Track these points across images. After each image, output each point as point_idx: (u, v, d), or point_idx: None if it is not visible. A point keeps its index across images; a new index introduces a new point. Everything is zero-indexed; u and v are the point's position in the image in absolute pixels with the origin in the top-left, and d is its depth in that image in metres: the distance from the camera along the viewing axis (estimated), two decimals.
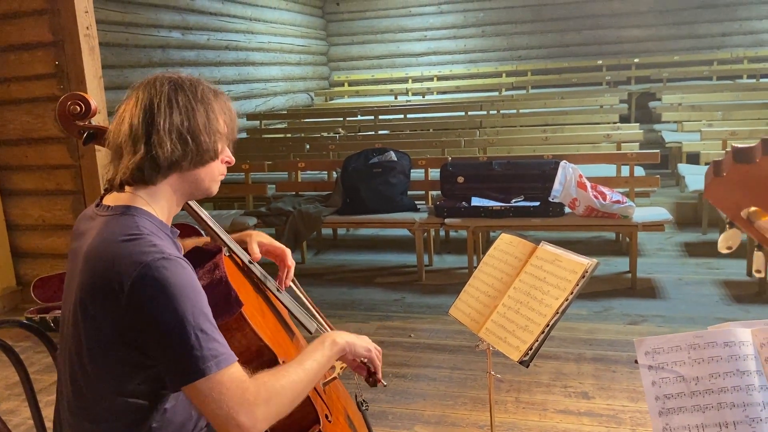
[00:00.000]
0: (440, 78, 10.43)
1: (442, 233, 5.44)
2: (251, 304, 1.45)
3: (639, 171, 4.92)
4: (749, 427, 1.07)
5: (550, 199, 4.27)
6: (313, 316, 1.73)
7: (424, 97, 10.11)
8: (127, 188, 1.31)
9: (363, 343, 1.48)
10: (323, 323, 1.74)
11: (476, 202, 4.58)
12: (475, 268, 2.15)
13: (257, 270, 1.61)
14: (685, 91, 7.85)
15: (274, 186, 5.50)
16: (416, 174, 5.13)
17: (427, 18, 10.61)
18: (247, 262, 1.59)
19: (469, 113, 7.87)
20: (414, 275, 4.75)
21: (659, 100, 7.94)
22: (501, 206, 4.45)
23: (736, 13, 9.26)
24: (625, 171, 4.86)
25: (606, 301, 4.03)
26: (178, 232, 1.45)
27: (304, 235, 4.86)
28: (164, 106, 1.28)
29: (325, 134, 7.38)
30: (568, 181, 4.19)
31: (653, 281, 4.35)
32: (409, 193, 5.00)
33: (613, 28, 9.72)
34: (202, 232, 1.68)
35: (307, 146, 6.69)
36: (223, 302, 1.33)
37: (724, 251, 1.12)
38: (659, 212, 4.37)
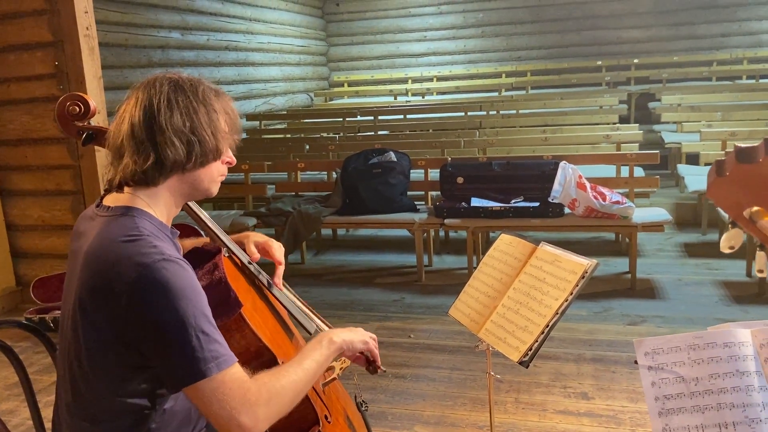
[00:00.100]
0: (440, 78, 10.43)
1: (441, 234, 5.44)
2: (250, 304, 1.45)
3: (638, 171, 4.93)
4: (749, 427, 1.07)
5: (549, 200, 4.27)
6: (310, 317, 1.73)
7: (423, 97, 10.11)
8: (126, 189, 1.31)
9: (359, 337, 1.49)
10: (321, 324, 1.74)
11: (476, 202, 4.58)
12: (475, 268, 2.15)
13: (256, 270, 1.61)
14: (684, 92, 7.86)
15: (273, 186, 5.50)
16: (416, 174, 5.13)
17: (426, 18, 10.61)
18: (246, 263, 1.59)
19: (469, 114, 7.87)
20: (413, 276, 4.75)
21: (659, 100, 7.95)
22: (500, 207, 4.45)
23: (736, 13, 9.27)
24: (624, 171, 4.86)
25: (605, 302, 4.03)
26: (178, 233, 1.45)
27: (303, 236, 4.86)
28: (164, 106, 1.27)
29: (324, 135, 7.39)
30: (568, 181, 4.19)
31: (653, 282, 4.35)
32: (409, 193, 5.00)
33: (612, 29, 9.73)
34: (202, 233, 1.68)
35: (307, 147, 6.69)
36: (223, 303, 1.33)
37: (727, 251, 1.12)
38: (659, 213, 4.37)
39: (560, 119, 6.85)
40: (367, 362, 1.55)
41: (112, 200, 1.32)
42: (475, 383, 3.09)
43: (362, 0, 10.85)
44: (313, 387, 1.43)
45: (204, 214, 1.57)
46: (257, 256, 1.67)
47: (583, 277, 1.77)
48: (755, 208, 1.00)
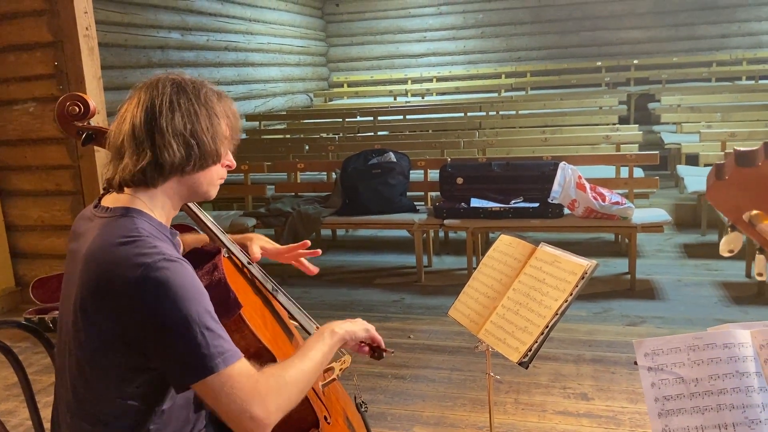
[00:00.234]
0: (439, 79, 10.44)
1: (441, 234, 5.44)
2: (250, 305, 1.45)
3: (638, 172, 4.93)
4: (748, 428, 1.07)
5: (549, 201, 4.27)
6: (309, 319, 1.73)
7: (423, 98, 10.12)
8: (126, 190, 1.31)
9: (360, 327, 1.50)
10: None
11: (475, 203, 4.58)
12: (475, 269, 2.15)
13: (257, 271, 1.61)
14: (684, 93, 7.86)
15: (273, 187, 5.50)
16: (415, 175, 5.13)
17: (426, 19, 10.61)
18: (246, 263, 1.59)
19: (469, 114, 7.87)
20: (413, 276, 4.75)
21: (658, 101, 7.95)
22: (500, 207, 4.46)
23: (735, 14, 9.27)
24: (624, 172, 4.87)
25: (605, 303, 4.03)
26: (178, 233, 1.45)
27: (303, 236, 4.85)
28: (166, 108, 1.27)
29: (324, 135, 7.39)
30: (568, 182, 4.19)
31: (652, 282, 4.35)
32: (409, 194, 5.00)
33: (612, 30, 9.73)
34: (200, 232, 1.68)
35: (307, 147, 6.69)
36: (222, 304, 1.33)
37: (726, 254, 1.12)
38: (658, 213, 4.38)
39: (560, 120, 6.85)
40: (372, 350, 1.56)
41: (111, 201, 1.32)
42: (474, 384, 3.09)
43: (362, 0, 10.85)
44: (312, 388, 1.43)
45: (203, 214, 1.57)
46: (258, 256, 1.68)
47: (583, 278, 1.77)
48: (755, 212, 1.00)
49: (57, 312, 3.69)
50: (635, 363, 1.17)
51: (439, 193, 4.89)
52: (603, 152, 5.52)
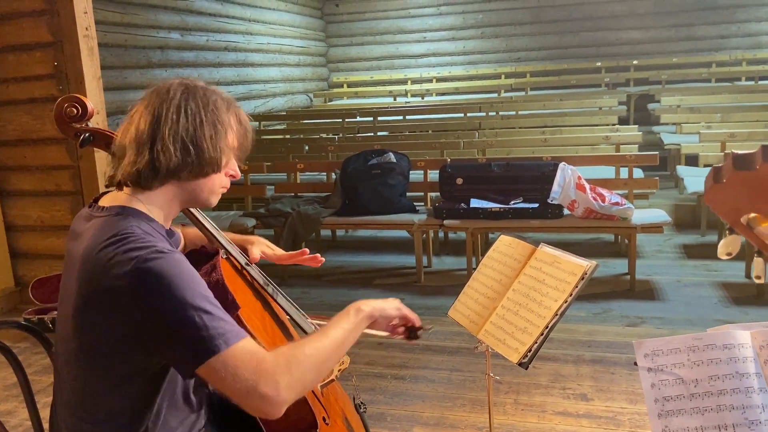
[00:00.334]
0: (439, 79, 10.44)
1: (441, 235, 5.44)
2: (248, 307, 1.45)
3: (638, 173, 4.93)
4: (748, 429, 1.07)
5: (549, 201, 4.27)
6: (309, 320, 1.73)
7: (423, 98, 10.12)
8: (126, 189, 1.32)
9: (391, 305, 1.45)
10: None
11: (475, 203, 4.58)
12: (474, 269, 2.15)
13: (256, 273, 1.61)
14: (683, 93, 7.86)
15: (272, 187, 5.50)
16: (415, 175, 5.13)
17: (426, 19, 10.62)
18: (244, 264, 1.59)
19: (468, 115, 7.87)
20: (413, 277, 4.75)
21: (658, 102, 7.95)
22: (500, 208, 4.45)
23: (735, 15, 9.28)
24: (623, 173, 4.87)
25: (605, 303, 4.03)
26: (175, 233, 1.44)
27: (302, 237, 4.86)
28: (172, 113, 1.28)
29: (324, 135, 7.39)
30: (567, 182, 4.19)
31: (652, 283, 4.35)
32: (408, 194, 5.00)
33: (611, 30, 9.73)
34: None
35: (306, 147, 6.69)
36: (220, 305, 1.32)
37: (724, 257, 1.12)
38: (658, 214, 4.38)
39: (559, 120, 6.86)
40: (407, 330, 1.49)
41: (109, 200, 1.33)
42: (474, 384, 3.09)
43: (362, 1, 10.85)
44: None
45: (201, 215, 1.57)
46: (257, 257, 1.68)
47: (583, 279, 1.77)
48: (752, 215, 1.00)
49: (56, 312, 3.69)
50: (635, 364, 1.17)
51: (438, 193, 4.88)
52: (603, 153, 5.52)
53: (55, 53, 4.05)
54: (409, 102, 9.88)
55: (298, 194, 5.39)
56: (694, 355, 1.14)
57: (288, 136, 7.64)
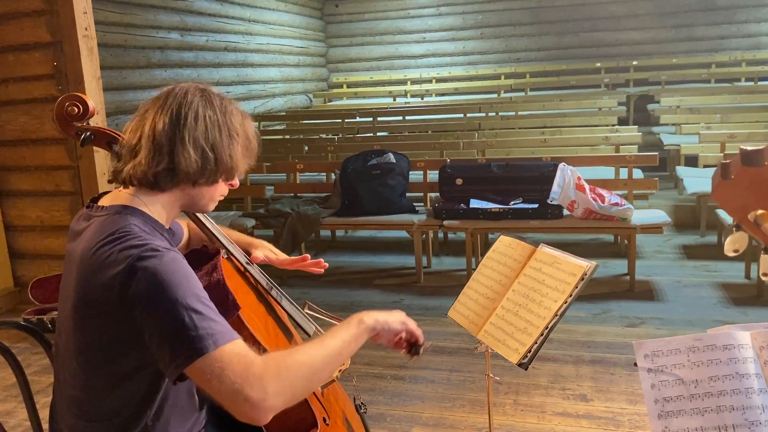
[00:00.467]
0: (439, 80, 10.44)
1: (440, 235, 5.44)
2: (249, 307, 1.45)
3: (637, 173, 4.93)
4: (748, 430, 1.07)
5: (548, 202, 4.27)
6: (310, 320, 1.73)
7: (422, 98, 10.12)
8: (130, 188, 1.32)
9: (396, 318, 1.42)
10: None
11: (475, 204, 4.57)
12: (474, 270, 2.15)
13: (257, 273, 1.61)
14: (683, 94, 7.87)
15: (272, 187, 5.50)
16: (415, 176, 5.13)
17: (425, 20, 10.62)
18: (245, 263, 1.59)
19: (468, 115, 7.87)
20: (412, 277, 4.75)
21: (657, 102, 7.95)
22: (499, 208, 4.45)
23: (735, 16, 9.28)
24: (623, 173, 4.87)
25: (604, 304, 4.03)
26: (176, 230, 1.44)
27: (302, 237, 4.86)
28: (191, 118, 1.28)
29: (323, 136, 7.38)
30: (567, 183, 4.19)
31: (651, 284, 4.35)
32: (408, 194, 5.00)
33: (611, 31, 9.74)
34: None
35: (306, 148, 6.69)
36: (221, 305, 1.32)
37: (731, 254, 1.12)
38: (657, 215, 4.38)
39: (559, 121, 6.86)
40: (409, 345, 1.46)
41: (109, 200, 1.33)
42: (473, 385, 3.09)
43: (361, 1, 10.85)
44: None
45: (202, 215, 1.56)
46: (260, 259, 1.68)
47: (582, 279, 1.77)
48: (760, 212, 1.00)
49: (56, 312, 3.68)
50: (635, 364, 1.17)
51: (438, 194, 4.88)
52: (602, 153, 5.52)
53: (54, 53, 4.05)
54: (408, 102, 9.88)
55: (298, 195, 5.39)
56: (694, 356, 1.14)
57: (287, 137, 7.64)
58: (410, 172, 4.99)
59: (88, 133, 1.52)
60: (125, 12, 6.18)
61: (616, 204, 4.20)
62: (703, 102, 7.53)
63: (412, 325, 1.45)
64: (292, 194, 5.40)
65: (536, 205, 4.41)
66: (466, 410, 2.87)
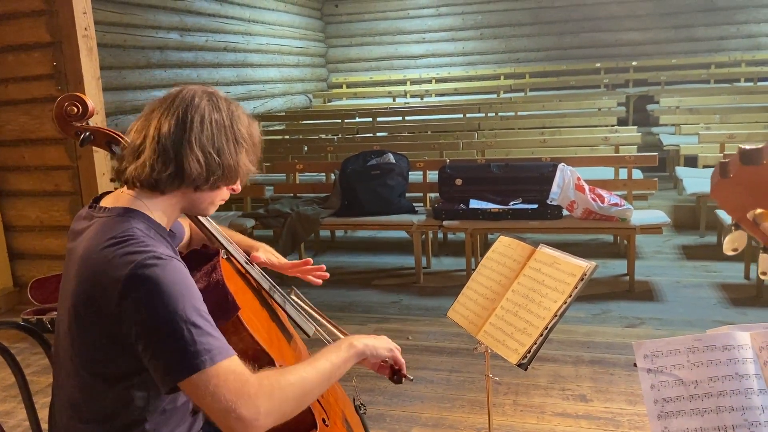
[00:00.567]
0: (438, 80, 10.44)
1: (440, 235, 5.44)
2: (249, 307, 1.45)
3: (637, 174, 4.93)
4: (748, 430, 1.07)
5: (548, 202, 4.28)
6: (320, 322, 1.73)
7: (422, 99, 10.12)
8: (132, 189, 1.31)
9: (384, 344, 1.47)
10: (333, 330, 1.73)
11: (474, 204, 4.58)
12: (473, 270, 2.15)
13: (257, 274, 1.61)
14: (682, 94, 7.87)
15: (272, 188, 5.50)
16: (414, 176, 5.13)
17: (425, 20, 10.62)
18: (244, 263, 1.59)
19: (468, 115, 7.87)
20: (412, 277, 4.75)
21: (657, 103, 7.95)
22: (499, 209, 4.45)
23: (734, 16, 9.29)
24: (623, 174, 4.87)
25: (604, 304, 4.03)
26: (177, 231, 1.44)
27: (301, 237, 4.86)
28: (198, 122, 1.28)
29: (323, 136, 7.38)
30: (566, 183, 4.19)
31: (651, 284, 4.35)
32: (407, 195, 5.00)
33: (611, 31, 9.74)
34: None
35: (305, 148, 6.68)
36: (220, 306, 1.32)
37: (730, 253, 1.12)
38: (657, 215, 4.38)
39: (559, 121, 6.86)
40: (392, 371, 1.52)
41: (111, 201, 1.33)
42: (473, 385, 3.09)
43: (361, 1, 10.85)
44: None
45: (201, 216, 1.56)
46: (261, 259, 1.68)
47: (582, 279, 1.77)
48: (759, 211, 1.00)
49: (55, 313, 3.68)
50: (634, 365, 1.17)
51: (437, 194, 4.88)
52: (602, 154, 5.52)
53: (54, 53, 4.05)
54: (408, 103, 9.88)
55: (297, 195, 5.38)
56: (693, 357, 1.14)
57: (287, 137, 7.63)
58: (410, 173, 4.99)
59: (87, 133, 1.51)
60: (125, 12, 6.18)
61: (616, 204, 4.20)
62: (702, 102, 7.53)
63: (397, 352, 1.50)
64: (292, 194, 5.40)
65: (536, 206, 4.41)
66: (466, 410, 2.87)
